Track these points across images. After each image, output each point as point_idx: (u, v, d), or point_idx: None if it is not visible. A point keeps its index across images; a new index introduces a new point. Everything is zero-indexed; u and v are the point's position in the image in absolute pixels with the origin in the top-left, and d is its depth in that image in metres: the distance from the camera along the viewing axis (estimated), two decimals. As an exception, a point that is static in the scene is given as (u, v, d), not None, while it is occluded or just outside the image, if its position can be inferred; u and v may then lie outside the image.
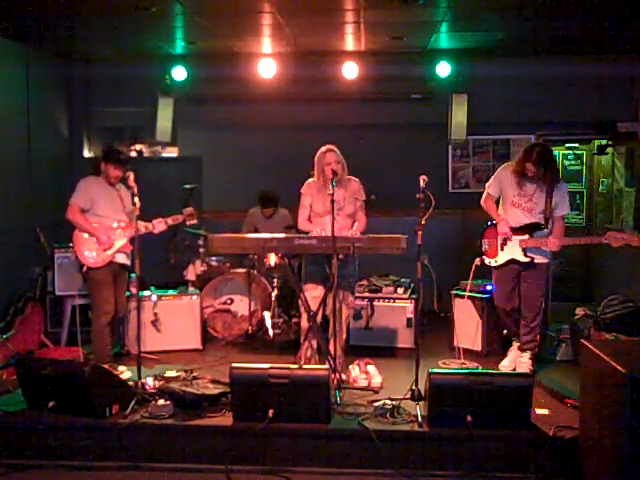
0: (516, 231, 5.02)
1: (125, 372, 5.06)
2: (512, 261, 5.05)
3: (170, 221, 5.37)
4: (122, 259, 5.29)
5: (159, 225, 5.31)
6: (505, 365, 5.26)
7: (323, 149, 4.89)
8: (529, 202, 5.00)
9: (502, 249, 5.10)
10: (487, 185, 5.24)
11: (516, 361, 5.21)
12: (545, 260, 5.05)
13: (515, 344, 5.29)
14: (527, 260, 4.98)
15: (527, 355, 5.14)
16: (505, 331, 5.45)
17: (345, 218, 4.91)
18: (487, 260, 5.21)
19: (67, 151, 7.67)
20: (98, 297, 5.18)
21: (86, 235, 5.14)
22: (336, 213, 4.56)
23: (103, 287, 5.16)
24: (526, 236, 4.99)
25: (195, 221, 5.48)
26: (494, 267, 5.17)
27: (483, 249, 5.24)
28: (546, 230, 4.99)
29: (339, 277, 4.63)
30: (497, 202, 5.23)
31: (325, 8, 5.51)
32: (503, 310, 5.23)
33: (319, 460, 3.99)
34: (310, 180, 5.03)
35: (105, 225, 5.18)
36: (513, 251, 5.04)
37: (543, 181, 4.93)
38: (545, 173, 4.88)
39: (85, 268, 5.15)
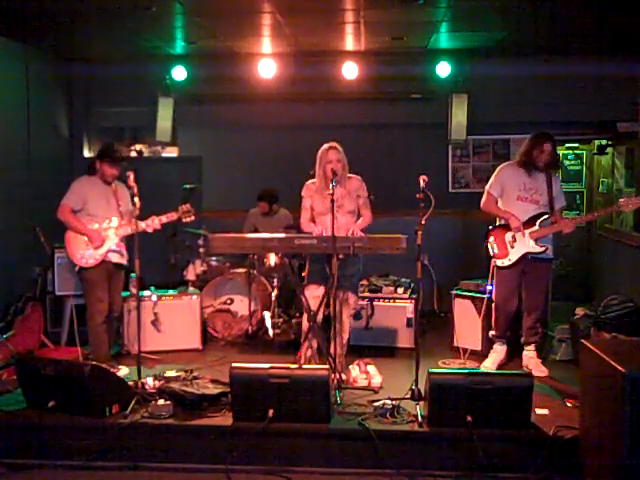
0: (523, 225, 5.06)
1: (123, 369, 5.10)
2: (525, 256, 5.06)
3: (165, 219, 5.30)
4: (116, 258, 5.27)
5: (154, 224, 5.27)
6: (487, 366, 5.27)
7: (326, 146, 4.89)
8: (535, 194, 5.08)
9: (512, 247, 5.10)
10: (488, 187, 5.26)
11: (525, 358, 5.25)
12: (552, 255, 5.15)
13: (497, 345, 5.32)
14: (542, 249, 5.02)
15: (532, 347, 5.23)
16: (492, 333, 5.37)
17: (346, 215, 4.91)
18: (499, 262, 5.14)
19: (67, 151, 7.68)
20: (91, 296, 5.19)
21: (77, 235, 5.14)
22: (336, 211, 4.57)
23: (96, 286, 5.17)
24: (535, 227, 5.05)
25: (192, 218, 5.37)
26: (506, 267, 5.12)
27: (491, 253, 5.18)
28: (552, 219, 5.07)
29: (341, 277, 4.64)
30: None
31: (325, 8, 5.50)
32: (505, 311, 5.20)
33: (319, 460, 3.99)
34: (309, 182, 5.04)
35: (97, 224, 5.18)
36: (525, 245, 5.06)
37: (550, 167, 5.08)
38: (555, 157, 5.09)
39: (78, 268, 5.17)
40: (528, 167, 5.09)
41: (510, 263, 5.11)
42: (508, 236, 5.12)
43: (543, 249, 5.02)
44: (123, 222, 5.24)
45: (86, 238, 5.13)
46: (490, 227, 5.28)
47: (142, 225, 5.13)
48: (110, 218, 5.22)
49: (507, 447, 3.92)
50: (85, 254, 5.14)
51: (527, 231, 5.06)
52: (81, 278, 5.24)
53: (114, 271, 5.31)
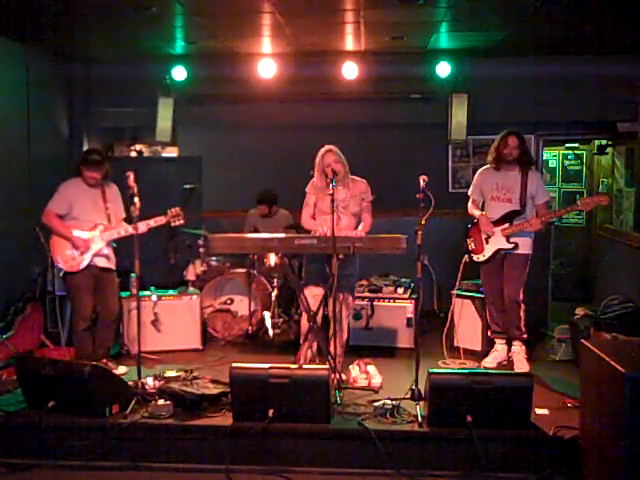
0: (496, 223, 5.22)
1: (121, 368, 5.09)
2: (498, 252, 5.22)
3: (152, 223, 5.16)
4: (102, 263, 5.20)
5: (141, 228, 5.03)
6: (488, 361, 5.38)
7: (322, 151, 4.91)
8: (507, 193, 5.22)
9: (487, 243, 5.28)
10: (470, 193, 5.50)
11: (511, 351, 5.32)
12: (527, 251, 5.19)
13: (498, 344, 5.41)
14: (511, 245, 5.15)
15: (519, 343, 5.27)
16: (490, 331, 5.47)
17: (350, 217, 4.96)
18: (475, 257, 5.37)
19: (67, 151, 7.67)
20: (75, 303, 5.19)
21: (61, 240, 5.10)
22: (341, 212, 4.61)
23: (80, 292, 5.13)
24: (506, 224, 5.18)
25: (181, 222, 5.27)
26: (483, 262, 5.32)
27: (470, 248, 5.41)
28: (524, 215, 5.16)
29: (339, 277, 4.64)
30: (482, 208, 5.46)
31: (325, 8, 5.50)
32: (495, 306, 5.35)
33: (319, 460, 4.00)
34: (315, 179, 5.05)
35: (82, 228, 5.13)
36: (497, 242, 5.22)
37: (523, 164, 5.17)
38: (523, 151, 5.16)
39: (62, 273, 5.14)
40: (500, 165, 5.23)
41: (484, 259, 5.31)
42: (484, 233, 5.30)
43: (512, 245, 5.15)
44: (110, 225, 5.18)
45: (71, 243, 5.09)
46: (470, 224, 5.46)
47: (129, 229, 4.99)
48: (97, 222, 5.17)
49: (507, 447, 3.92)
50: (70, 259, 5.09)
51: (499, 228, 5.20)
52: (65, 283, 5.21)
53: (102, 275, 5.23)
